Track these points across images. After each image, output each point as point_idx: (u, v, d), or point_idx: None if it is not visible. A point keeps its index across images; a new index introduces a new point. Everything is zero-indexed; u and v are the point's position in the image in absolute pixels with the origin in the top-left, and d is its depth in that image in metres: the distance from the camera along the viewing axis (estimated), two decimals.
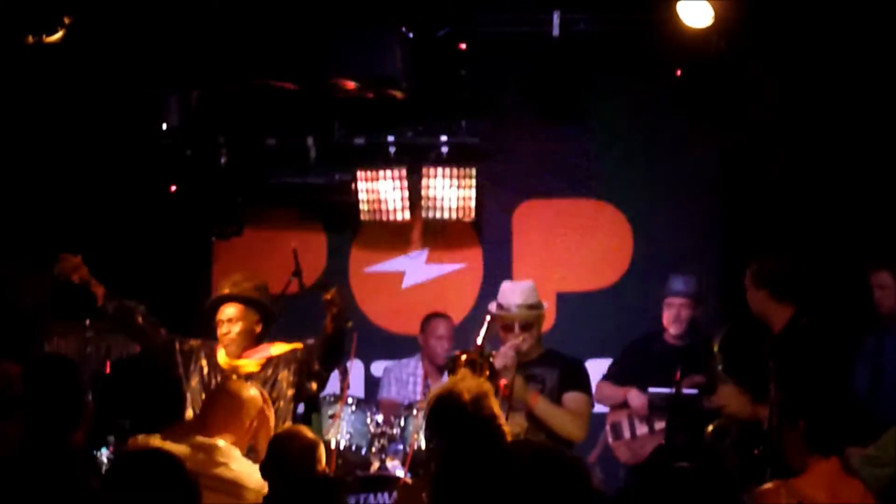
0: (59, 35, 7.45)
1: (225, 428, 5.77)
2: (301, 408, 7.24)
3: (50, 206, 8.71)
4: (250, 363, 6.69)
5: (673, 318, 7.96)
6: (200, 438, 5.66)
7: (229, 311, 6.70)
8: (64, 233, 8.66)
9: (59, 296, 7.36)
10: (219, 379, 6.66)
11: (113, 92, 8.48)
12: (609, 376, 8.06)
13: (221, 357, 6.71)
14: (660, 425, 7.78)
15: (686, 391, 7.35)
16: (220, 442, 5.69)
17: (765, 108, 8.42)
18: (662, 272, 8.23)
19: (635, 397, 7.86)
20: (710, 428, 6.95)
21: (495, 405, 5.15)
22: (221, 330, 6.69)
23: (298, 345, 6.75)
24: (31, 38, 7.42)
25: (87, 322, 8.00)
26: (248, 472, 5.59)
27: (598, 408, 7.79)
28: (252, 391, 5.96)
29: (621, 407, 7.95)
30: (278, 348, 6.73)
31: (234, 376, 6.63)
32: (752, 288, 7.08)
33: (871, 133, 8.23)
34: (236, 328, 6.67)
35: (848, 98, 8.20)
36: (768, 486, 5.36)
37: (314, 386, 6.79)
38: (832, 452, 5.32)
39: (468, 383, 5.14)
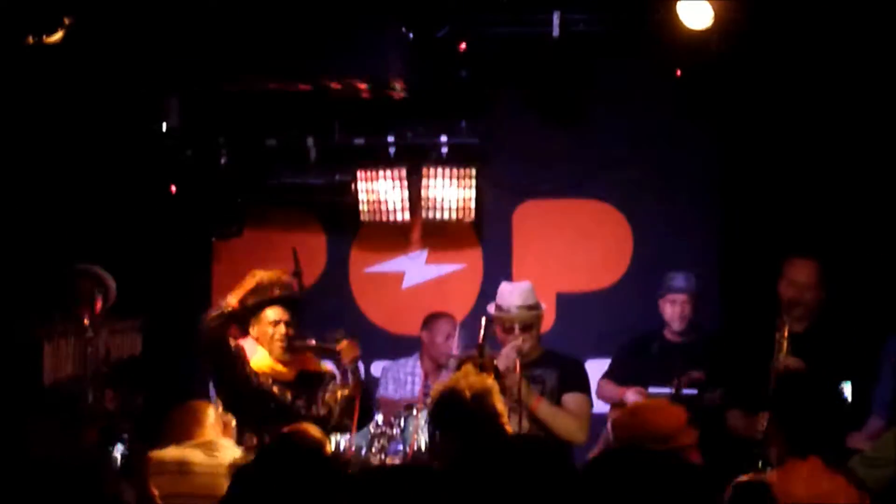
0: (59, 35, 7.45)
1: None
2: None
3: (50, 206, 8.70)
4: (288, 371, 6.70)
5: (677, 315, 7.96)
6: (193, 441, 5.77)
7: (279, 312, 6.70)
8: (64, 233, 8.66)
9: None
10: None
11: (113, 92, 8.49)
12: (609, 375, 8.06)
13: (263, 360, 6.67)
14: None
15: (686, 391, 7.36)
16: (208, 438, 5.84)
17: (765, 107, 8.42)
18: (662, 272, 8.22)
19: (634, 396, 7.87)
20: None
21: (498, 402, 5.14)
22: (278, 330, 6.68)
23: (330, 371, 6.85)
24: (31, 38, 7.42)
25: (87, 322, 7.99)
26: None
27: (599, 407, 7.79)
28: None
29: (621, 405, 7.95)
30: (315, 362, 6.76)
31: (270, 380, 6.63)
32: (817, 286, 7.12)
33: (872, 131, 8.22)
34: (290, 329, 6.69)
35: (848, 97, 8.20)
36: (743, 479, 5.31)
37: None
38: (809, 453, 5.24)
39: (470, 380, 5.13)
